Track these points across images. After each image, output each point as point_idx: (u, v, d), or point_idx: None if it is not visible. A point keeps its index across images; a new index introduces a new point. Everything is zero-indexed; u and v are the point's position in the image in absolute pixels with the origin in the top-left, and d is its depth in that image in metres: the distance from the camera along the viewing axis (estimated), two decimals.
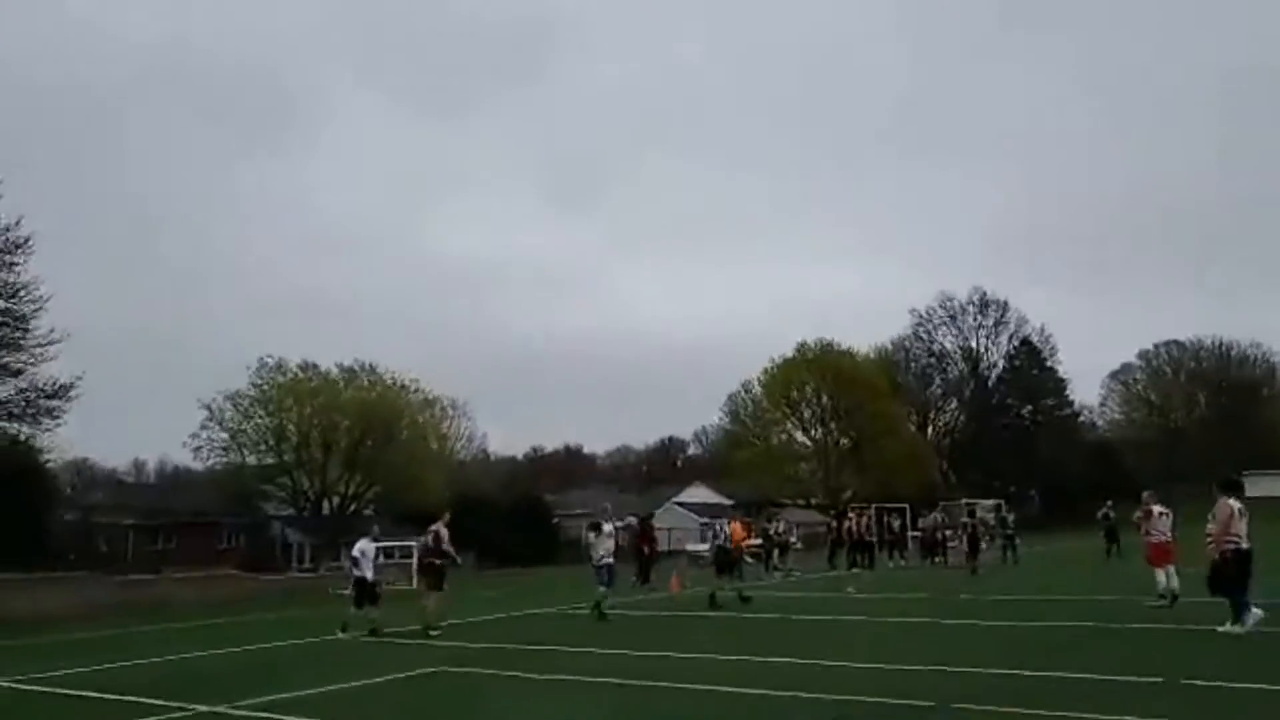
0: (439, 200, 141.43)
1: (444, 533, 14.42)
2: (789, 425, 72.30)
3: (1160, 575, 13.96)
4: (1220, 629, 10.84)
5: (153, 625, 18.22)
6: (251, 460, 47.29)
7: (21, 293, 30.64)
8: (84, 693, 10.10)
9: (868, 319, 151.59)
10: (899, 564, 28.68)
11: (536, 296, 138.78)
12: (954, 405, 78.23)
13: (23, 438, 31.86)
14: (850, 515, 30.78)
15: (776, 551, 24.03)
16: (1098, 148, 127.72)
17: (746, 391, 74.86)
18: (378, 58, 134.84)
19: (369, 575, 14.44)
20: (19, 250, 30.40)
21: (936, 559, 28.60)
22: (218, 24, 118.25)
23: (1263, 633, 10.85)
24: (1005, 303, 76.73)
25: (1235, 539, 11.06)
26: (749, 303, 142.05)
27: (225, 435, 46.29)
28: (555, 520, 65.48)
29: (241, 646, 14.22)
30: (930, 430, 77.99)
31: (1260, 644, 10.37)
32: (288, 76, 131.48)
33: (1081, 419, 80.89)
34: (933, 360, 78.59)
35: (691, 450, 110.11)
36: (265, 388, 47.05)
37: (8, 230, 30.23)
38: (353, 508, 49.48)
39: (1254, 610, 10.75)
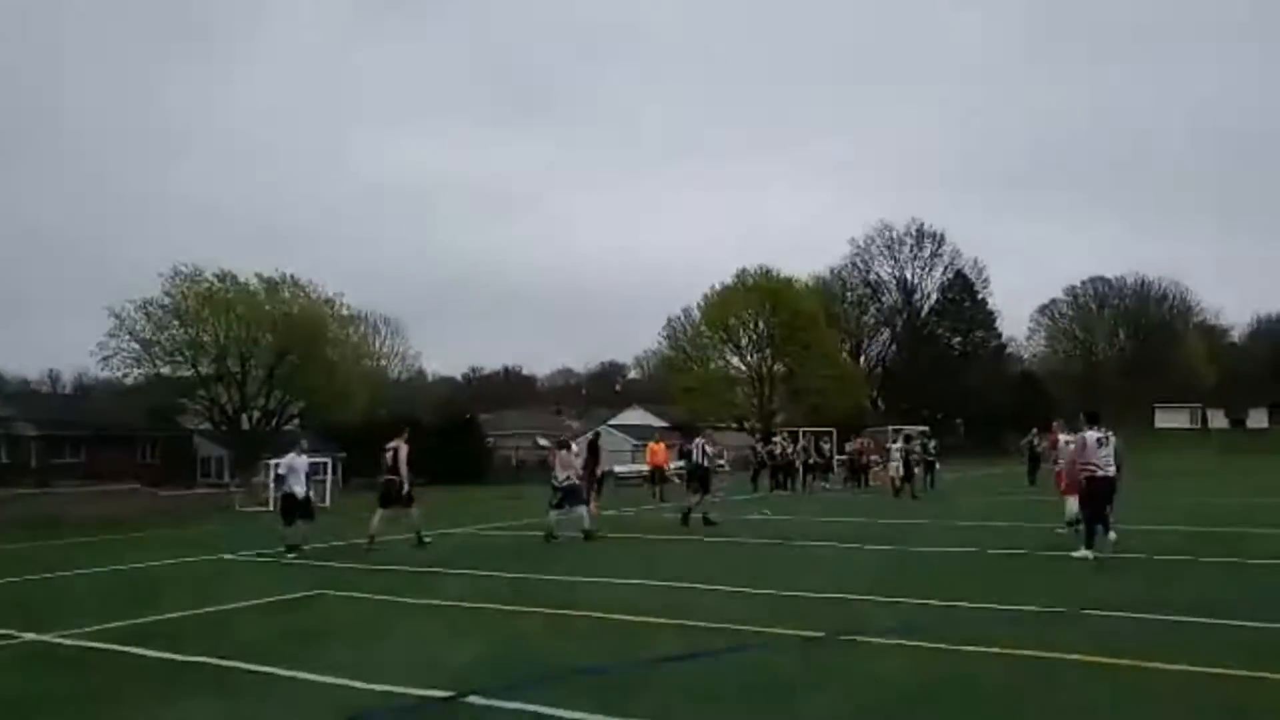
0: (372, 115, 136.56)
1: (402, 451, 14.04)
2: (726, 351, 72.67)
3: (1070, 503, 14.03)
4: (1074, 555, 11.00)
5: (33, 542, 17.17)
6: (166, 372, 45.51)
7: None
8: None
9: (809, 248, 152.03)
10: (825, 488, 28.83)
11: (476, 216, 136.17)
12: (887, 334, 79.20)
13: None
14: (775, 439, 30.82)
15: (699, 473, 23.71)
16: (1041, 85, 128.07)
17: (686, 317, 74.91)
18: None
19: (299, 491, 13.67)
20: None
21: (861, 483, 28.85)
22: None
23: (1168, 561, 10.86)
24: (941, 235, 77.34)
25: (1091, 467, 11.24)
26: (694, 229, 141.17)
27: (137, 346, 44.34)
28: (489, 441, 65.18)
29: (125, 565, 13.42)
30: (863, 358, 79.00)
31: (1161, 572, 10.32)
32: None
33: (1009, 351, 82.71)
34: (868, 290, 79.19)
35: (632, 375, 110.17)
36: (179, 297, 45.01)
37: None
38: (274, 423, 48.23)
39: (1108, 535, 11.00)
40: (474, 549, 14.20)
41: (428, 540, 14.06)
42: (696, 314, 73.45)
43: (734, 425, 68.60)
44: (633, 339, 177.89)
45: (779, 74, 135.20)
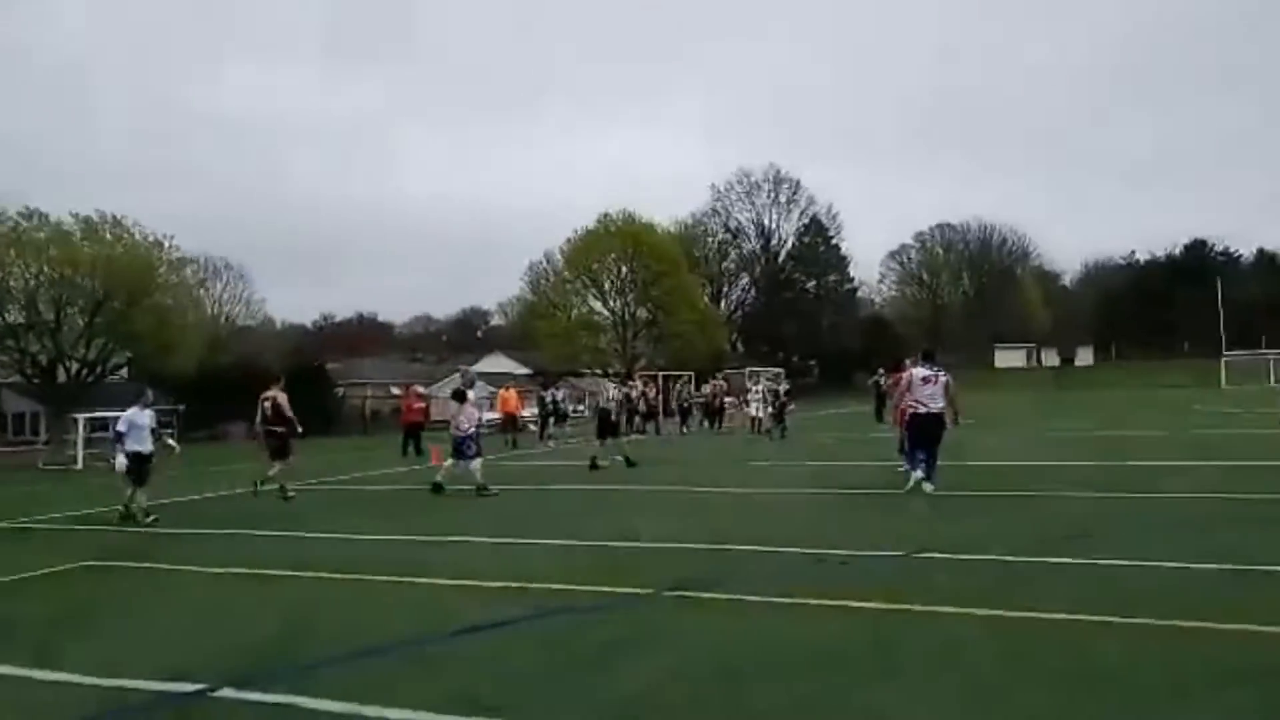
0: (210, 52, 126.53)
1: (281, 399, 13.70)
2: (589, 296, 71.89)
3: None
4: (909, 485, 11.13)
5: None
6: None
7: None
8: None
9: (675, 194, 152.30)
10: (683, 431, 28.70)
11: (329, 158, 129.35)
12: (746, 279, 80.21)
13: None
14: (632, 382, 30.42)
15: (552, 420, 23.08)
16: (893, 36, 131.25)
17: (548, 261, 73.67)
18: None
19: (145, 448, 11.45)
20: None
21: (717, 425, 28.85)
22: None
23: (1005, 496, 10.88)
24: (797, 181, 78.55)
25: (915, 404, 11.38)
26: (559, 173, 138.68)
27: None
28: (338, 390, 62.38)
29: None
30: (724, 302, 79.82)
31: (993, 515, 10.28)
32: None
33: (860, 294, 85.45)
34: (729, 235, 79.83)
35: (495, 321, 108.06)
36: None
37: None
38: (94, 374, 44.27)
39: (913, 473, 11.19)
40: (303, 505, 13.00)
41: (264, 489, 13.53)
42: (559, 259, 72.41)
43: (597, 371, 68.32)
44: (497, 285, 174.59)
45: (642, 18, 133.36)
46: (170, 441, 11.42)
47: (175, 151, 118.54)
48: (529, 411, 27.15)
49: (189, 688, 4.76)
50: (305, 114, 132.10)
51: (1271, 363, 57.05)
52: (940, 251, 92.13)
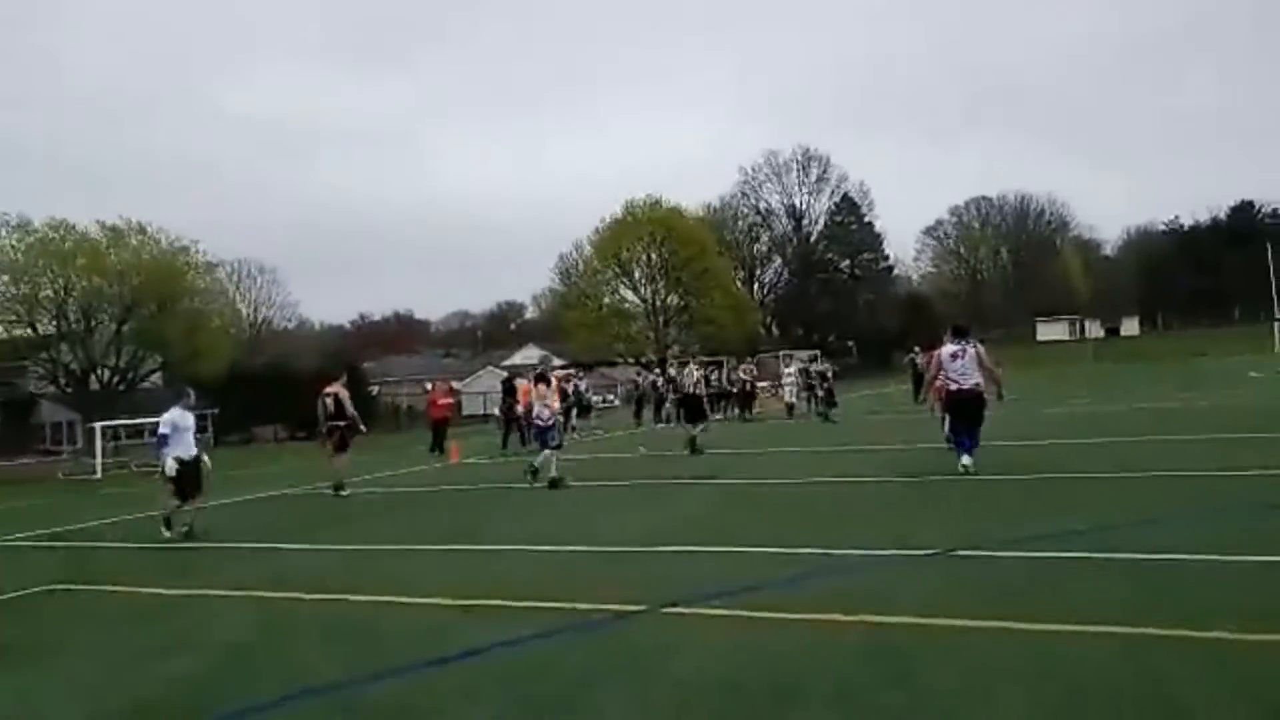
0: (237, 58, 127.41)
1: (343, 394, 14.01)
2: (619, 284, 71.22)
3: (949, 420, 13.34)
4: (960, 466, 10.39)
5: None
6: None
7: None
8: None
9: (702, 178, 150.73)
10: (716, 418, 27.83)
11: (359, 160, 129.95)
12: (778, 261, 78.95)
13: None
14: (658, 369, 29.63)
15: (575, 411, 22.29)
16: (923, 10, 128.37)
17: (577, 251, 73.16)
18: None
19: (189, 453, 10.30)
20: None
21: (749, 412, 27.96)
22: None
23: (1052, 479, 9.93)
24: (827, 159, 77.09)
25: (949, 381, 10.90)
26: (585, 162, 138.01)
27: None
28: (373, 389, 62.44)
29: None
30: (756, 286, 78.67)
31: (1033, 500, 9.34)
32: None
33: (896, 272, 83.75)
34: (759, 218, 78.63)
35: (530, 314, 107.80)
36: (7, 249, 40.59)
37: None
38: (126, 381, 44.53)
39: (962, 456, 10.48)
40: (321, 511, 12.36)
41: (344, 493, 13.53)
42: (588, 248, 71.79)
43: (630, 360, 67.66)
44: (530, 278, 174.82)
45: (665, 6, 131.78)
46: (204, 458, 10.68)
47: (208, 155, 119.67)
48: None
49: None
50: (336, 115, 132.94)
51: None
52: (977, 225, 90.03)
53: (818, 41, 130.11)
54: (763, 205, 78.27)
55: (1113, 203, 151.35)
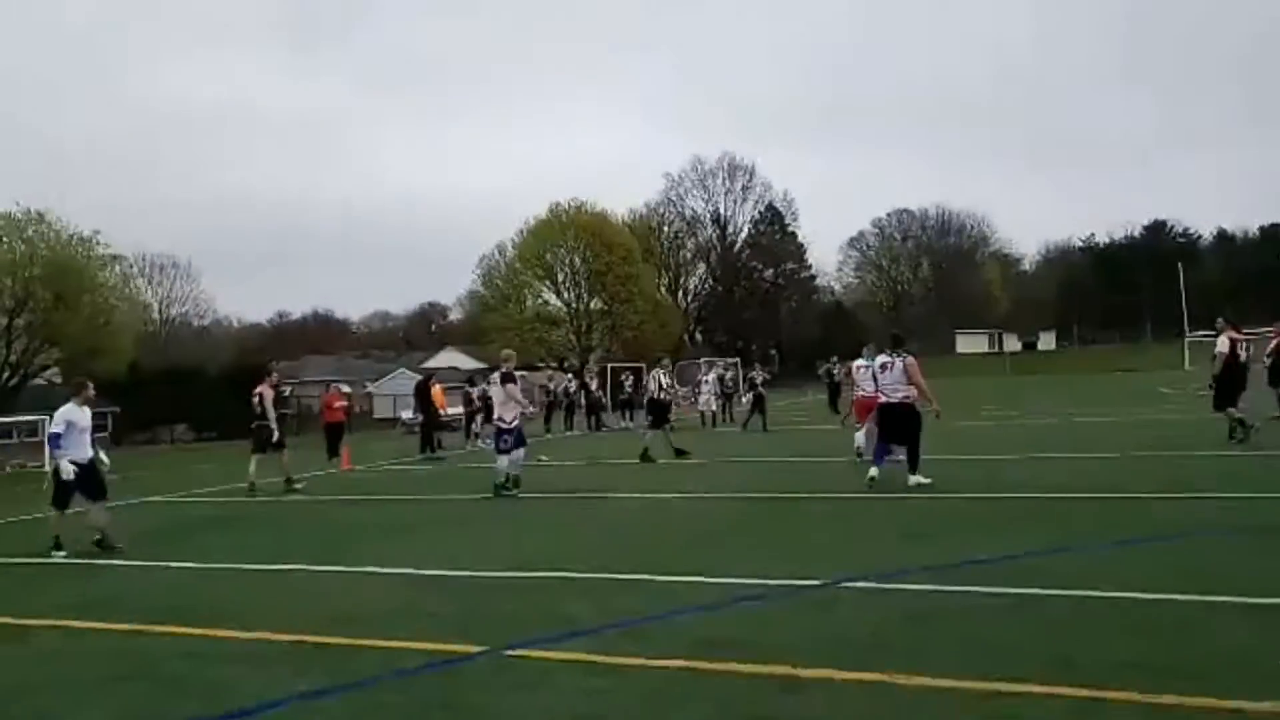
0: (148, 46, 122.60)
1: (267, 394, 13.84)
2: (542, 288, 70.16)
3: (860, 433, 13.25)
4: (910, 482, 10.02)
5: None
6: None
7: None
8: None
9: (627, 182, 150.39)
10: (628, 426, 27.07)
11: (282, 155, 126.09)
12: (703, 269, 78.85)
13: None
14: (562, 375, 28.78)
15: (479, 418, 21.24)
16: (851, 24, 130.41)
17: (500, 253, 71.78)
18: None
19: (84, 455, 8.94)
20: None
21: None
22: None
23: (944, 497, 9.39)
24: (752, 168, 77.29)
25: (880, 393, 10.65)
26: (518, 164, 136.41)
27: None
28: (284, 389, 60.20)
29: None
30: (681, 293, 78.43)
31: (946, 521, 8.78)
32: None
33: (819, 282, 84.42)
34: (684, 224, 78.39)
35: (454, 315, 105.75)
36: None
37: None
38: (19, 377, 41.83)
39: (872, 469, 10.15)
40: (162, 524, 11.19)
41: (298, 486, 13.59)
42: (511, 250, 70.56)
43: (552, 365, 66.64)
44: (455, 279, 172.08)
45: (592, 8, 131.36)
46: (103, 455, 9.32)
47: (118, 146, 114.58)
48: (454, 410, 25.29)
49: None
50: (254, 109, 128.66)
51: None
52: (898, 238, 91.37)
53: (745, 51, 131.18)
54: (688, 212, 78.19)
55: (1032, 218, 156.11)
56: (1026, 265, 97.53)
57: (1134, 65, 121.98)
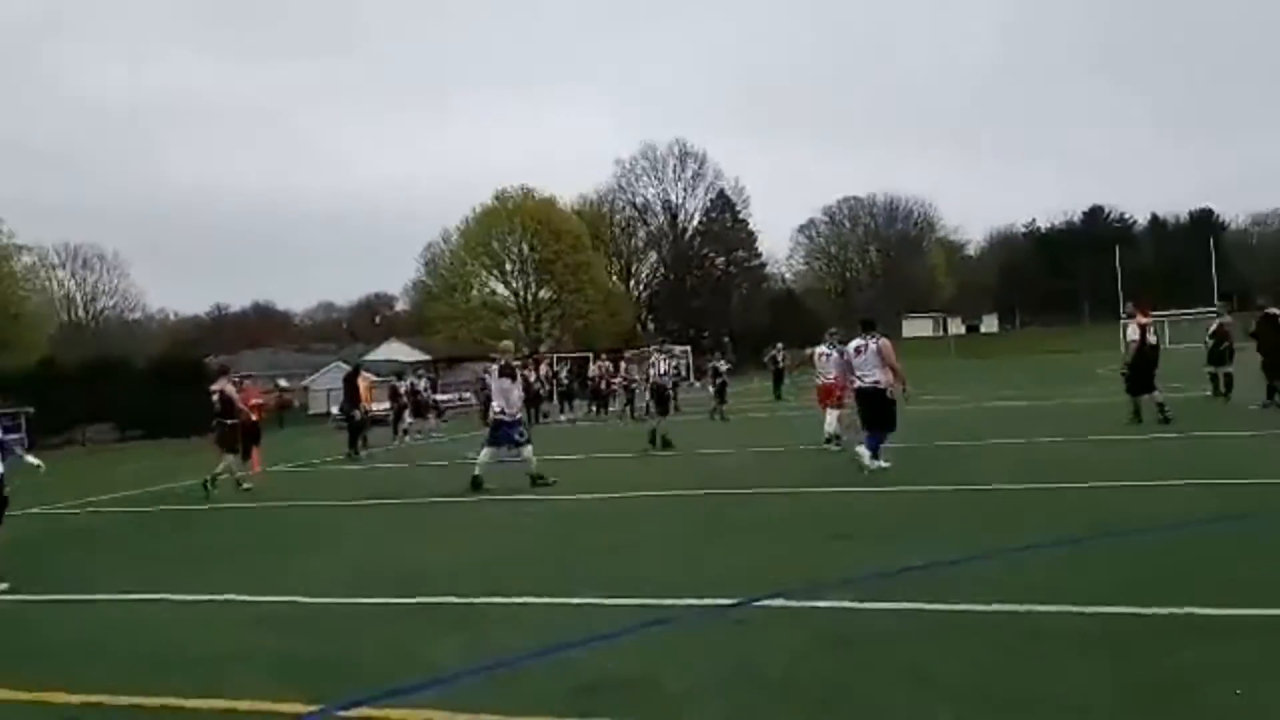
0: (77, 34, 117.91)
1: (230, 390, 13.81)
2: (490, 277, 68.81)
3: (829, 418, 13.05)
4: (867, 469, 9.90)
5: None
6: None
7: None
8: None
9: (576, 169, 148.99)
10: (569, 418, 26.28)
11: (224, 147, 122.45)
12: (654, 257, 78.05)
13: None
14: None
15: (408, 413, 20.27)
16: (801, 14, 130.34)
17: (445, 242, 70.24)
18: None
19: None
20: None
21: (601, 411, 26.54)
22: None
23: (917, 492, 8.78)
24: (704, 155, 76.46)
25: (854, 377, 10.63)
26: (465, 152, 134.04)
27: None
28: (240, 383, 58.12)
29: None
30: (632, 281, 77.55)
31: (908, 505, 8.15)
32: None
33: (769, 269, 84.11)
34: (635, 212, 77.43)
35: (401, 306, 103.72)
36: None
37: None
38: None
39: (869, 459, 10.05)
40: (43, 540, 10.12)
41: (214, 490, 12.92)
42: (456, 238, 69.03)
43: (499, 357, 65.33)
44: (401, 269, 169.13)
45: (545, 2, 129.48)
46: (30, 458, 8.08)
47: (50, 139, 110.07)
48: (381, 405, 24.12)
49: None
50: (190, 97, 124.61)
51: (1167, 325, 57.56)
52: (848, 225, 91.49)
53: (695, 39, 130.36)
54: (639, 200, 77.19)
55: (978, 205, 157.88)
56: (971, 251, 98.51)
57: (1076, 55, 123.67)
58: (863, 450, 10.06)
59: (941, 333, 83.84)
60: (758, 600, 5.20)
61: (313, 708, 3.98)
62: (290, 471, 16.63)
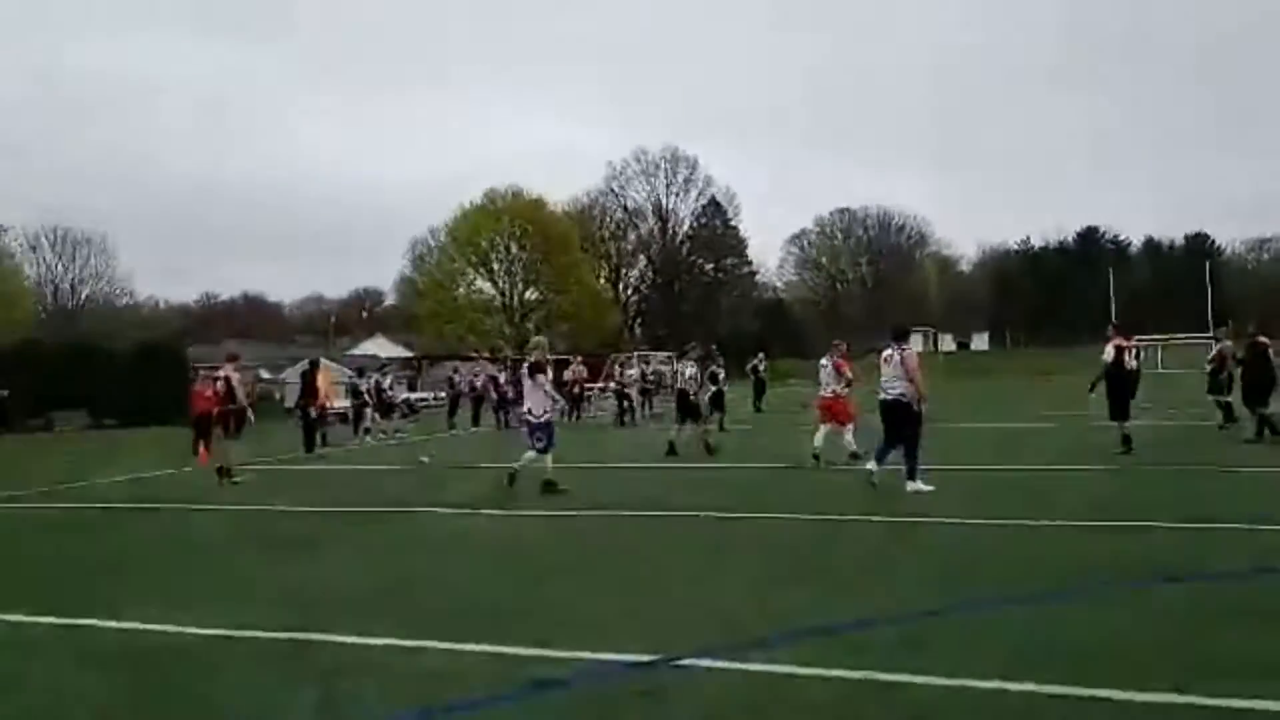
0: (80, 15, 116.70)
1: (235, 377, 13.65)
2: (476, 275, 68.11)
3: (845, 434, 12.65)
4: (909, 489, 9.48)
5: None
6: None
7: None
8: None
9: (569, 173, 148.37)
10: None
11: (218, 135, 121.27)
12: (643, 261, 77.39)
13: None
14: (491, 365, 27.06)
15: (370, 411, 19.43)
16: (794, 26, 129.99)
17: (434, 239, 69.50)
18: None
19: None
20: None
21: (574, 415, 25.75)
22: None
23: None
24: (695, 160, 75.85)
25: (877, 390, 10.23)
26: (458, 148, 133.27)
27: None
28: (197, 372, 57.21)
29: None
30: (620, 285, 76.88)
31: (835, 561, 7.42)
32: None
33: (760, 278, 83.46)
34: (625, 215, 76.77)
35: (390, 301, 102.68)
36: None
37: None
38: None
39: (870, 465, 9.90)
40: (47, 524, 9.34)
41: (236, 480, 12.68)
42: (444, 236, 68.34)
43: (485, 354, 64.66)
44: (393, 264, 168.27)
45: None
46: None
47: (49, 120, 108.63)
48: (341, 402, 23.32)
49: None
50: (184, 82, 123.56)
51: (1160, 349, 57.06)
52: (839, 236, 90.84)
53: (696, 44, 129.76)
54: (629, 203, 76.52)
55: (971, 221, 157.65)
56: (964, 267, 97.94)
57: (1072, 75, 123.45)
58: (872, 466, 9.79)
59: (931, 348, 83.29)
60: (676, 659, 4.45)
61: None
62: (245, 469, 15.81)
